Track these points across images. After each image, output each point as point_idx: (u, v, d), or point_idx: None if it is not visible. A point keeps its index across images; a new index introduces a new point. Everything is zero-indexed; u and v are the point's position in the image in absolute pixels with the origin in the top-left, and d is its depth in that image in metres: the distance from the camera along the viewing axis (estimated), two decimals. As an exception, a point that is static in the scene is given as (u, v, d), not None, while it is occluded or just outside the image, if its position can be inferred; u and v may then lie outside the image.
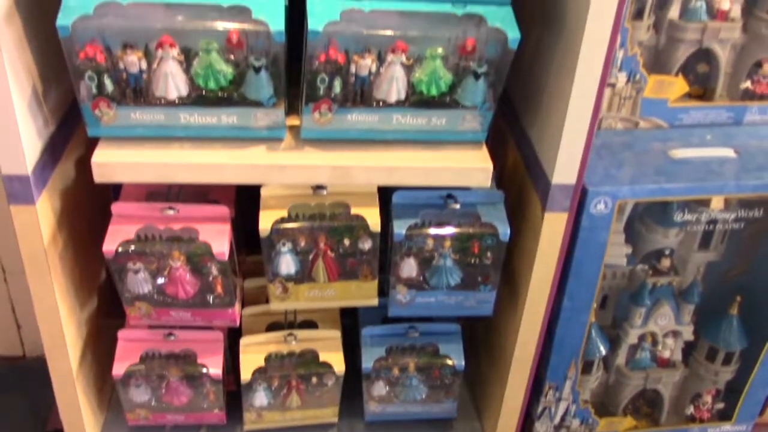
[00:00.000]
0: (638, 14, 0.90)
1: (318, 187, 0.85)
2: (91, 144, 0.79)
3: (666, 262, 0.98)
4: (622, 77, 0.93)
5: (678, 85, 0.95)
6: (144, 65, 0.73)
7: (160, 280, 0.85)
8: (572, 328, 0.97)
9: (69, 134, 0.86)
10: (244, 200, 0.91)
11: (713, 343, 1.05)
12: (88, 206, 0.93)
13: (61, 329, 0.87)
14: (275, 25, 0.71)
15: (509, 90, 0.96)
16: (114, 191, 0.92)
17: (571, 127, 0.79)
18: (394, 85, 0.77)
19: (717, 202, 0.91)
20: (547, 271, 0.89)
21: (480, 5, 0.74)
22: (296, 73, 0.78)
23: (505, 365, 0.99)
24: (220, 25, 0.71)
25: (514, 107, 0.95)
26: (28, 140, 0.76)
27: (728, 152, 0.93)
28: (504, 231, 0.86)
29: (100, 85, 0.74)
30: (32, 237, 0.80)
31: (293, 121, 0.82)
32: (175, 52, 0.73)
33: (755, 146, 0.95)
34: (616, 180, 0.87)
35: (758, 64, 0.96)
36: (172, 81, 0.74)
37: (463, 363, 0.98)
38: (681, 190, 0.88)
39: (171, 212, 0.83)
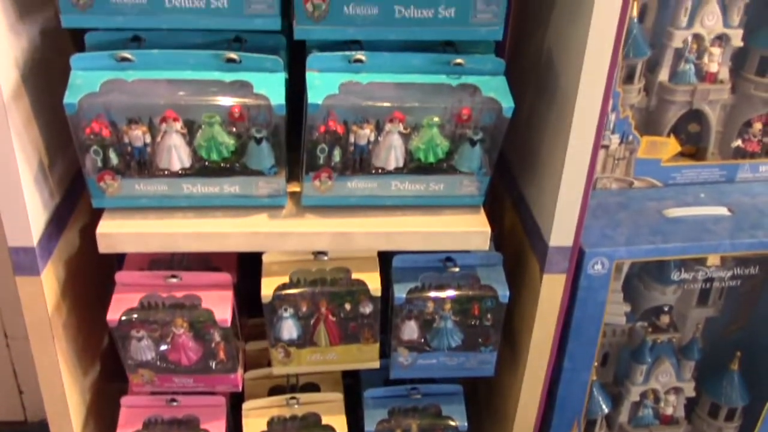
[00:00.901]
0: (629, 78, 0.92)
1: (319, 253, 0.86)
2: (95, 213, 0.81)
3: (665, 319, 0.98)
4: (615, 139, 0.95)
5: (670, 146, 0.97)
6: (148, 139, 0.75)
7: (163, 347, 0.85)
8: (573, 388, 0.97)
9: (73, 204, 0.87)
10: (246, 261, 0.92)
11: (715, 399, 1.05)
12: (92, 274, 0.94)
13: (63, 395, 0.88)
14: (276, 99, 0.73)
15: (505, 151, 0.98)
16: (117, 258, 0.93)
17: (567, 190, 0.81)
18: (392, 153, 0.79)
19: (713, 259, 0.92)
20: (547, 331, 0.89)
21: (474, 75, 0.77)
22: (296, 136, 0.80)
23: (508, 426, 0.99)
24: (223, 100, 0.74)
25: (510, 168, 0.97)
26: (34, 212, 0.77)
27: (722, 210, 0.95)
28: (503, 293, 0.87)
29: (105, 159, 0.76)
30: (37, 306, 0.81)
31: (294, 187, 0.84)
32: (178, 125, 0.75)
33: (748, 204, 0.96)
34: (613, 240, 0.89)
35: (748, 124, 0.98)
36: (176, 153, 0.76)
37: (465, 424, 0.98)
38: (677, 249, 0.89)
39: (174, 280, 0.84)
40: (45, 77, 0.79)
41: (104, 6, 0.70)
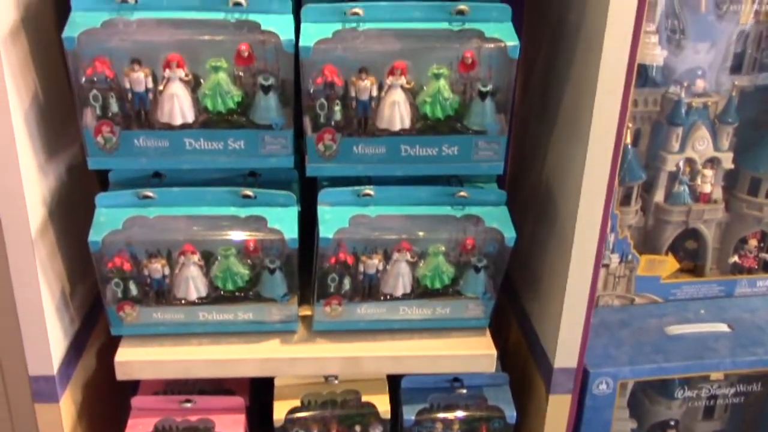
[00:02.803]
0: (626, 200, 0.96)
1: (329, 376, 0.88)
2: (112, 336, 0.84)
3: (672, 433, 0.99)
4: (615, 258, 0.98)
5: (669, 264, 1.00)
6: (167, 271, 0.79)
7: (177, 470, 0.87)
8: (583, 506, 0.97)
9: (91, 329, 0.90)
10: (259, 381, 0.94)
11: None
12: (108, 397, 0.96)
13: None
14: (289, 233, 0.77)
15: (509, 269, 1.01)
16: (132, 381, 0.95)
17: (570, 311, 0.83)
18: (400, 280, 0.82)
19: (716, 376, 0.94)
20: (555, 451, 0.91)
21: (477, 206, 0.81)
22: (308, 258, 0.83)
23: None
24: (238, 234, 0.77)
25: (514, 286, 1.00)
26: (56, 341, 0.80)
27: (722, 327, 0.97)
28: (510, 414, 0.88)
29: (126, 290, 0.79)
30: (54, 432, 0.83)
31: (305, 310, 0.87)
32: (196, 258, 0.78)
33: (748, 319, 0.99)
34: (616, 360, 0.91)
35: (743, 240, 1.02)
36: (193, 284, 0.80)
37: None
38: (679, 368, 0.91)
39: (188, 405, 0.86)
40: (70, 212, 0.83)
41: (129, 149, 0.75)
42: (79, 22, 0.69)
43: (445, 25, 0.73)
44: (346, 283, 0.81)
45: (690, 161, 0.96)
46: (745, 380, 0.94)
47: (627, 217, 0.97)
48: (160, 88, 0.72)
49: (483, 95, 0.75)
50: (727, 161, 0.97)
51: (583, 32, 0.77)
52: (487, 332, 0.88)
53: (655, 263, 1.00)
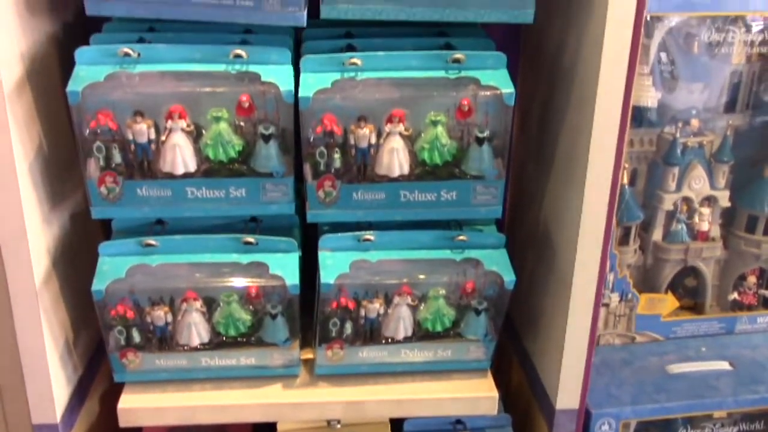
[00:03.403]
0: (624, 239, 0.97)
1: (332, 420, 0.88)
2: (115, 384, 0.84)
3: (677, 473, 0.99)
4: (615, 297, 0.98)
5: (668, 302, 1.00)
6: (170, 318, 0.79)
7: None
8: None
9: (94, 376, 0.91)
10: (261, 427, 0.94)
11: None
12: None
13: None
14: (290, 279, 0.78)
15: (510, 310, 1.01)
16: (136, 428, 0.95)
17: (571, 352, 0.84)
18: (401, 324, 0.82)
19: (719, 414, 0.94)
20: (559, 492, 0.90)
21: (476, 249, 0.81)
22: (310, 302, 0.83)
23: None
24: (240, 281, 0.78)
25: (515, 326, 1.01)
26: (59, 388, 0.80)
27: (724, 365, 0.97)
28: (513, 455, 0.89)
29: (129, 338, 0.80)
30: (57, 481, 0.83)
31: (307, 354, 0.87)
32: (198, 304, 0.79)
33: (748, 357, 0.99)
34: (618, 400, 0.91)
35: (742, 277, 1.02)
36: (195, 330, 0.80)
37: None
38: (681, 407, 0.91)
39: (191, 451, 0.86)
40: (73, 259, 0.84)
41: (132, 198, 0.76)
42: (83, 76, 0.71)
43: (441, 73, 0.75)
44: (348, 328, 0.82)
45: (687, 200, 0.97)
46: (748, 418, 0.94)
47: (626, 256, 0.98)
48: (163, 138, 0.73)
49: (480, 141, 0.76)
50: (724, 199, 0.98)
51: (578, 76, 0.78)
52: (489, 374, 0.88)
53: (655, 302, 1.00)
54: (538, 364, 0.92)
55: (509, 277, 0.80)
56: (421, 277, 0.81)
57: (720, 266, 1.02)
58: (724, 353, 1.00)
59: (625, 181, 0.95)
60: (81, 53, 0.72)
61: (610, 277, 0.97)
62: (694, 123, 0.95)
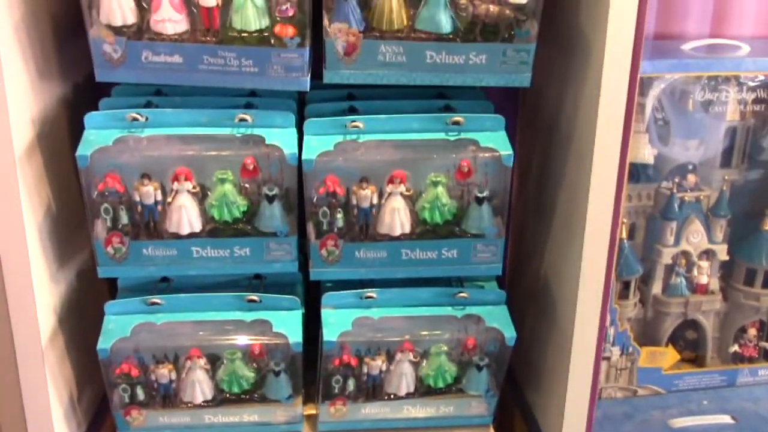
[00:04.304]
0: (624, 293, 0.98)
1: (334, 477, 0.88)
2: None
3: None
4: (616, 351, 0.99)
5: (669, 355, 1.01)
6: (174, 376, 0.80)
7: None
8: None
9: (98, 431, 0.91)
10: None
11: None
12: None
13: None
14: (294, 336, 0.79)
15: (512, 364, 1.01)
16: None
17: (573, 407, 0.84)
18: (403, 380, 0.83)
19: (722, 469, 0.94)
20: None
21: (478, 306, 0.82)
22: (312, 356, 0.84)
23: None
24: (244, 339, 0.79)
25: (517, 379, 1.01)
26: (63, 447, 0.81)
27: (726, 419, 0.97)
28: None
29: (133, 395, 0.81)
30: None
31: (310, 409, 0.88)
32: (202, 362, 0.80)
33: (751, 410, 0.99)
34: (621, 455, 0.91)
35: (743, 329, 1.03)
36: (199, 387, 0.81)
37: None
38: (684, 462, 0.91)
39: None
40: (79, 318, 0.85)
41: (138, 258, 0.77)
42: (92, 141, 0.73)
43: (441, 135, 0.77)
44: (350, 384, 0.82)
45: (685, 253, 0.98)
46: (751, 474, 0.94)
47: (626, 309, 0.98)
48: (169, 200, 0.75)
49: (480, 201, 0.77)
50: (722, 253, 0.99)
51: (575, 136, 0.80)
52: (491, 430, 0.88)
53: (656, 355, 1.01)
54: (541, 418, 0.92)
55: (510, 334, 0.81)
56: (423, 333, 0.82)
57: (720, 319, 1.03)
58: (726, 406, 1.00)
59: (624, 235, 0.96)
60: (90, 118, 0.74)
61: (611, 331, 0.98)
62: (691, 178, 0.97)
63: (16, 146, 0.70)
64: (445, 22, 0.73)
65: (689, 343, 1.03)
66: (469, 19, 0.73)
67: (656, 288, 0.99)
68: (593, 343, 0.83)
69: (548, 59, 0.84)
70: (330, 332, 0.79)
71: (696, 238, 0.98)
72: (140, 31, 0.71)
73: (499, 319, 0.82)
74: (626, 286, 0.98)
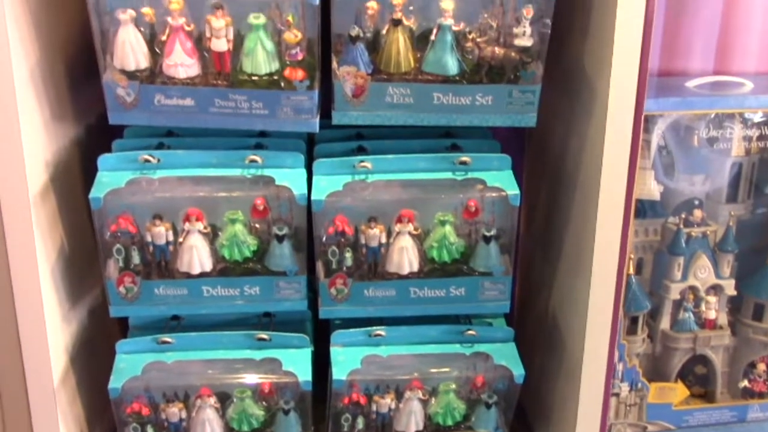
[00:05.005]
0: (632, 328, 0.98)
1: None
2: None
3: None
4: (624, 387, 0.99)
5: (679, 391, 1.01)
6: (184, 414, 0.80)
7: None
8: None
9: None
10: None
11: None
12: None
13: None
14: (303, 375, 0.79)
15: (521, 400, 1.01)
16: None
17: (582, 444, 0.84)
18: (412, 418, 0.83)
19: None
20: None
21: (486, 344, 0.83)
22: (322, 392, 0.84)
23: None
24: (253, 378, 0.80)
25: (527, 417, 1.01)
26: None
27: (736, 455, 0.97)
28: None
29: (143, 435, 0.81)
30: None
31: (319, 447, 0.88)
32: (212, 401, 0.80)
33: (762, 447, 0.99)
34: (631, 493, 0.90)
35: (752, 364, 1.02)
36: (209, 426, 0.81)
37: None
38: (696, 501, 0.91)
39: None
40: (91, 356, 0.86)
41: (149, 297, 0.78)
42: (105, 182, 0.74)
43: (449, 175, 0.78)
44: (360, 423, 0.82)
45: (693, 289, 0.99)
46: None
47: (634, 345, 0.98)
48: (180, 240, 0.76)
49: (487, 239, 0.78)
50: (730, 288, 0.99)
51: (581, 173, 0.81)
52: (501, 467, 0.88)
53: (666, 390, 1.00)
54: (550, 456, 0.92)
55: (518, 371, 0.81)
56: (432, 371, 0.82)
57: (729, 354, 1.02)
58: (737, 443, 1.00)
59: (632, 270, 0.97)
60: (103, 160, 0.76)
61: (620, 367, 0.98)
62: (698, 213, 0.97)
63: (30, 187, 0.72)
64: (451, 65, 0.74)
65: (699, 379, 1.03)
66: (475, 61, 0.75)
67: (664, 323, 0.99)
68: (602, 379, 0.83)
69: (554, 99, 0.85)
70: (339, 371, 0.79)
71: (703, 273, 0.98)
72: (153, 75, 0.73)
73: (507, 357, 0.82)
74: (634, 321, 0.98)
